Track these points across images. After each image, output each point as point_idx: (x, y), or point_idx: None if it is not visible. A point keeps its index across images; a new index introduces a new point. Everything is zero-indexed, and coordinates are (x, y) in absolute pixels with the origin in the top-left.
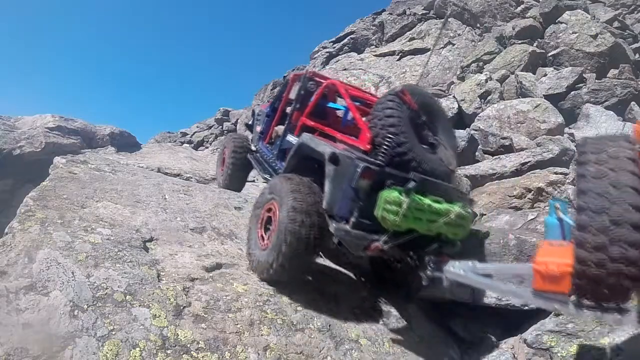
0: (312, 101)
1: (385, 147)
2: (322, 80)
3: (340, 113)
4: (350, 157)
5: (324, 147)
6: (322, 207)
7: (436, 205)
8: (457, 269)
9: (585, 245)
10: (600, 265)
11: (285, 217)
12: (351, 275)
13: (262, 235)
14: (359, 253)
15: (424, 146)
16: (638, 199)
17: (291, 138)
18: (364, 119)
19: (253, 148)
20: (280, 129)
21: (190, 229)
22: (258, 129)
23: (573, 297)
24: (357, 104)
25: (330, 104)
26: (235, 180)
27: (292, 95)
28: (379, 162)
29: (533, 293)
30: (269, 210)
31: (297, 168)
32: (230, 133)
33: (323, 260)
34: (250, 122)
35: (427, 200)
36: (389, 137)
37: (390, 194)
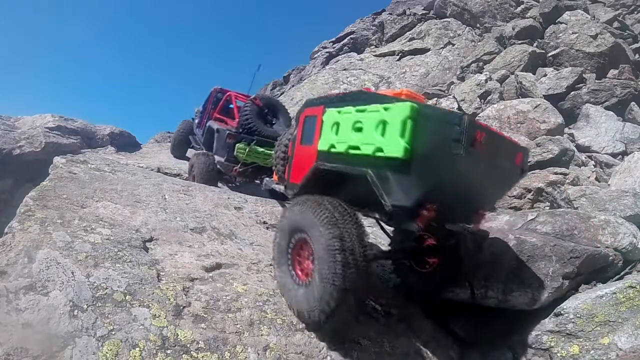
0: (219, 104)
1: (241, 124)
2: (226, 92)
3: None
4: (224, 129)
5: (216, 126)
6: (215, 160)
7: (267, 151)
8: (267, 181)
9: (277, 166)
10: (278, 171)
11: (198, 166)
12: None
13: (193, 176)
14: (230, 174)
15: (266, 124)
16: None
17: (210, 123)
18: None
19: (195, 131)
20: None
21: (190, 229)
22: (196, 121)
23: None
24: (240, 104)
25: (230, 105)
26: (180, 149)
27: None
28: (237, 131)
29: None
30: (192, 167)
31: (206, 141)
32: (183, 121)
33: None
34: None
35: (261, 149)
36: (243, 120)
37: (241, 144)
